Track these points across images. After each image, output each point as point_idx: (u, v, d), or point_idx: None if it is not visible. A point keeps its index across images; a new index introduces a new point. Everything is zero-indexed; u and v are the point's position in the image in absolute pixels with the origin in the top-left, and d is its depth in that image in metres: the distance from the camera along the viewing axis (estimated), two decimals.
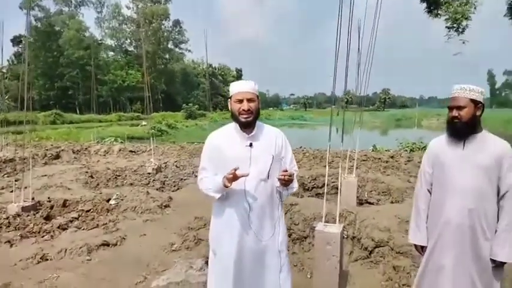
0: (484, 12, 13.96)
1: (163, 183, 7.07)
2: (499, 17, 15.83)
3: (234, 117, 2.27)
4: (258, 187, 2.22)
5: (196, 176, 7.76)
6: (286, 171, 2.13)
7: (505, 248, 2.20)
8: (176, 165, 8.74)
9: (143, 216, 4.90)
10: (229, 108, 2.33)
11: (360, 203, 6.14)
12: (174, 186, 6.97)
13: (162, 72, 60.76)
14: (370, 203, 6.24)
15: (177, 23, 66.45)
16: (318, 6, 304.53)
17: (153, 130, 28.97)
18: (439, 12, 14.60)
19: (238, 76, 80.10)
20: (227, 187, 2.13)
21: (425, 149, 8.33)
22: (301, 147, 11.19)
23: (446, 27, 14.60)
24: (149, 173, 7.72)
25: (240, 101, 2.22)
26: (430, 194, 2.50)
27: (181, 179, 7.50)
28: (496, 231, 2.26)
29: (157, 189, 6.57)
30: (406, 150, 10.23)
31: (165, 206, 5.36)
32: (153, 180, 7.22)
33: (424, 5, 14.96)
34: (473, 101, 2.26)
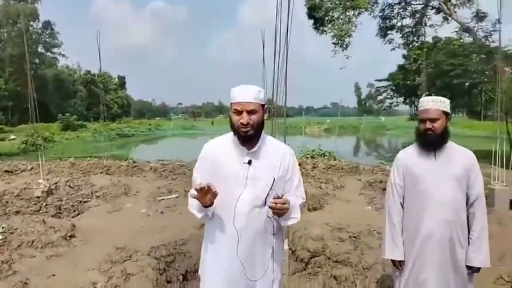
0: (361, 31, 15.79)
1: (59, 208, 6.01)
2: (372, 35, 18.17)
3: (233, 129, 1.95)
4: (251, 213, 1.89)
5: (98, 197, 6.87)
6: (280, 197, 1.82)
7: (481, 254, 2.28)
8: (70, 186, 7.57)
9: (45, 252, 4.01)
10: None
11: None
12: (74, 211, 5.98)
13: (32, 78, 53.45)
14: None
15: (48, 24, 59.38)
16: (203, 17, 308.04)
17: (25, 144, 25.20)
18: (325, 29, 16.11)
19: (121, 84, 75.35)
20: (207, 207, 1.85)
21: (325, 155, 8.73)
22: None
23: (332, 43, 16.19)
24: (38, 197, 6.49)
25: (239, 112, 1.88)
26: (402, 206, 2.48)
27: (80, 201, 6.50)
28: (468, 238, 2.33)
29: (53, 216, 5.55)
30: (307, 157, 10.74)
31: (70, 237, 4.51)
32: (46, 205, 6.08)
33: (312, 21, 16.37)
34: (444, 112, 2.32)
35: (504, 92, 12.26)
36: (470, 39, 18.20)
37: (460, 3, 15.31)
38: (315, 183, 7.59)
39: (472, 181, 2.32)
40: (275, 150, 2.02)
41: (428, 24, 17.01)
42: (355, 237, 4.38)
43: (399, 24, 17.44)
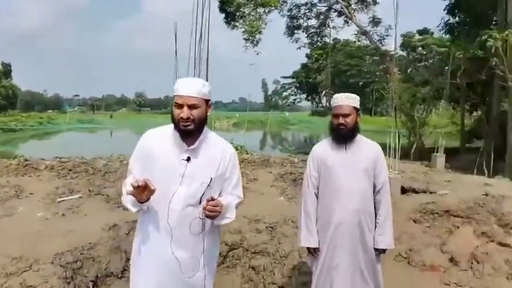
0: (270, 28, 16.29)
1: None
2: (280, 34, 18.90)
3: (173, 123, 1.91)
4: (184, 212, 1.85)
5: None
6: (213, 199, 1.79)
7: (386, 237, 2.51)
8: None
9: None
10: None
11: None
12: None
13: None
14: None
15: None
16: (104, 2, 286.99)
17: None
18: (236, 24, 16.24)
19: (6, 72, 66.57)
20: (142, 202, 1.80)
21: (237, 149, 8.87)
22: (118, 155, 10.07)
23: (243, 38, 16.41)
24: None
25: (180, 106, 1.85)
26: (317, 197, 2.61)
27: None
28: (375, 223, 2.54)
29: None
30: None
31: None
32: None
33: (223, 15, 16.36)
34: (355, 108, 2.48)
35: (394, 91, 13.87)
36: (366, 42, 20.13)
37: (359, 8, 16.82)
38: None
39: (378, 171, 2.53)
40: (216, 148, 1.99)
41: (331, 26, 18.33)
42: (271, 227, 4.50)
43: (305, 24, 18.43)
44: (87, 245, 3.94)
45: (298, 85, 75.01)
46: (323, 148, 2.63)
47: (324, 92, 70.64)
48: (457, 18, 15.09)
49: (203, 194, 1.87)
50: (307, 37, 19.02)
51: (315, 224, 2.58)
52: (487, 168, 10.03)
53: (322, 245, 2.55)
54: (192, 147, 1.89)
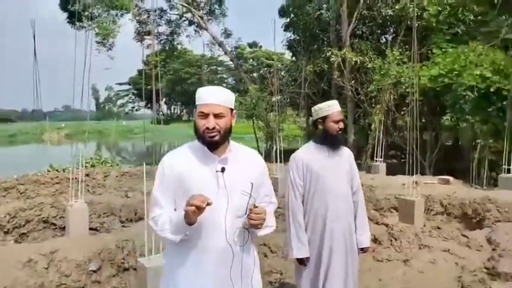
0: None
1: None
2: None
3: (198, 135, 1.75)
4: (233, 225, 1.71)
5: None
6: (256, 207, 1.67)
7: (367, 236, 2.67)
8: None
9: None
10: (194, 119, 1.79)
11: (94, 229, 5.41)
12: None
13: None
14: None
15: None
16: None
17: None
18: (83, 25, 14.64)
19: None
20: (191, 224, 1.60)
21: (105, 162, 8.48)
22: None
23: (96, 41, 14.96)
24: None
25: (205, 116, 1.71)
26: (302, 203, 2.59)
27: None
28: (355, 223, 2.64)
29: None
30: (86, 166, 9.64)
31: None
32: None
33: (66, 14, 14.57)
34: None
35: (251, 100, 15.06)
36: (206, 53, 21.10)
37: (209, 19, 17.56)
38: (119, 193, 7.00)
39: (353, 174, 2.68)
40: (245, 155, 1.87)
41: (185, 35, 18.55)
42: None
43: (156, 30, 18.13)
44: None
45: (136, 92, 71.94)
46: (307, 153, 2.61)
47: (164, 99, 69.71)
48: (296, 36, 17.40)
49: (248, 202, 1.73)
50: (158, 43, 18.77)
51: (305, 233, 2.55)
52: None
53: (313, 251, 2.54)
54: (223, 156, 1.76)
